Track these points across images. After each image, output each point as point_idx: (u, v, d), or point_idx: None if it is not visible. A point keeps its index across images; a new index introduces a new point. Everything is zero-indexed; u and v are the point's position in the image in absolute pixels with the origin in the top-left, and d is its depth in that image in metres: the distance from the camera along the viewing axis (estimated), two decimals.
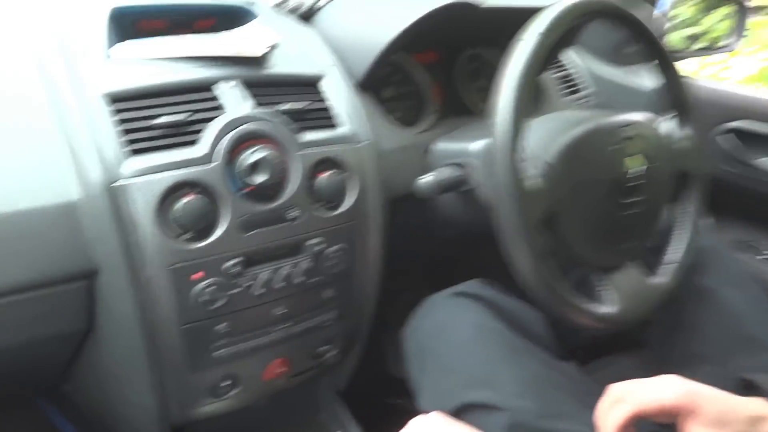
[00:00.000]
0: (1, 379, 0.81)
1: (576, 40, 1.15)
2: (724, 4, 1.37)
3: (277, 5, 0.97)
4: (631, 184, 0.77)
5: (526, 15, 0.72)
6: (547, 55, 0.71)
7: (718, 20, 1.40)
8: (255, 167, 0.72)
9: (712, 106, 1.31)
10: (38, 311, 0.69)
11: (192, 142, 0.71)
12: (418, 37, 0.91)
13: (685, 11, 1.35)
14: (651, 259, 0.83)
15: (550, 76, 1.22)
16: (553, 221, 0.73)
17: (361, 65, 0.90)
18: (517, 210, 0.67)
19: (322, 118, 0.81)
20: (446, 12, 0.89)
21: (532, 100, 0.71)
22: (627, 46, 1.35)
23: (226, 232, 0.71)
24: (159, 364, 0.74)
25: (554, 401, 0.74)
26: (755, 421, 0.55)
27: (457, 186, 0.84)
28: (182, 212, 0.68)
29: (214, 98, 0.74)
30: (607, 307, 0.75)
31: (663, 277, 0.81)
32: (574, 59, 1.29)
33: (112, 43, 0.75)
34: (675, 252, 0.83)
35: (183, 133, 0.71)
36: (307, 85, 0.84)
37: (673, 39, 1.33)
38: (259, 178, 0.72)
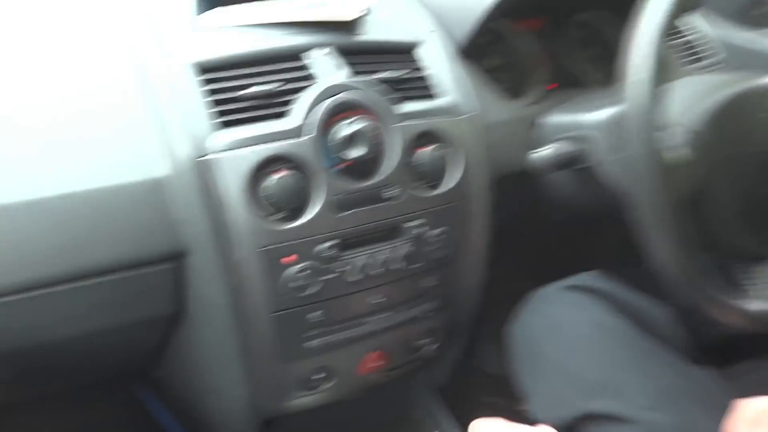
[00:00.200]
0: (92, 363, 0.79)
1: (701, 1, 1.02)
2: None
3: None
4: None
5: None
6: (680, 11, 0.61)
7: None
8: (350, 140, 0.65)
9: None
10: (126, 294, 0.65)
11: (283, 114, 0.65)
12: (523, 2, 0.82)
13: None
14: None
15: (669, 43, 1.08)
16: (697, 200, 0.62)
17: (461, 31, 0.82)
18: (658, 186, 0.57)
19: (422, 87, 0.74)
20: None
21: None
22: (758, 6, 1.19)
23: (319, 212, 0.65)
24: (249, 354, 0.69)
25: (690, 414, 0.64)
26: None
27: (574, 162, 0.74)
28: (273, 189, 0.62)
29: (305, 67, 0.68)
30: (761, 303, 0.63)
31: None
32: (697, 24, 1.14)
33: (200, 11, 0.70)
34: None
35: (273, 105, 0.65)
36: (405, 53, 0.76)
37: None
38: (355, 153, 0.65)
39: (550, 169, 0.73)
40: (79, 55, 0.67)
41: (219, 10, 0.71)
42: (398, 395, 0.94)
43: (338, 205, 0.66)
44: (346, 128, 0.65)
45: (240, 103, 0.64)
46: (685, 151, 0.60)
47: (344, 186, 0.66)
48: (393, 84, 0.71)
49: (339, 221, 0.66)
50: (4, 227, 0.58)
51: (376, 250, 0.70)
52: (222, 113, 0.63)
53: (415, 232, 0.71)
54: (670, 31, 1.06)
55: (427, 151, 0.70)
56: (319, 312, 0.69)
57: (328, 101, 0.65)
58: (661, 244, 0.59)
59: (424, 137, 0.71)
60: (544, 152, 0.72)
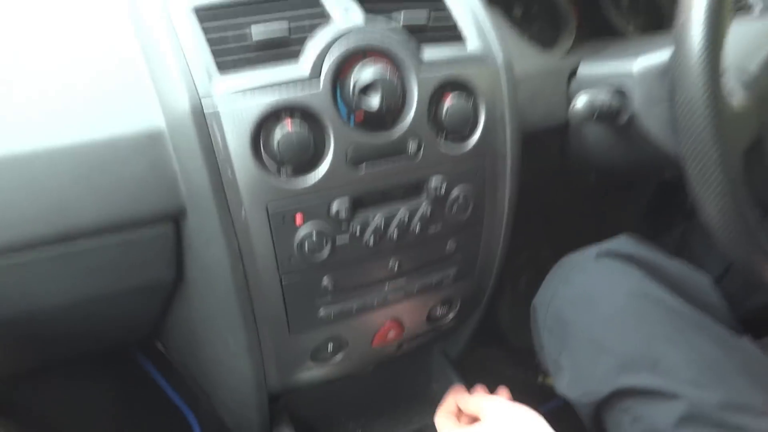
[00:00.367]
0: (93, 333, 0.74)
1: None
2: None
3: None
4: None
5: None
6: None
7: None
8: (367, 88, 0.58)
9: None
10: (123, 258, 0.60)
11: (293, 59, 0.58)
12: None
13: None
14: None
15: None
16: (753, 151, 0.55)
17: None
18: (718, 135, 0.50)
19: (447, 31, 0.66)
20: None
21: None
22: None
23: (332, 167, 0.59)
24: (255, 323, 0.63)
25: (738, 390, 0.59)
26: None
27: (611, 115, 0.68)
28: (281, 142, 0.56)
29: (317, 5, 0.61)
30: None
31: None
32: None
33: None
34: None
35: (281, 48, 0.58)
36: None
37: None
38: (372, 102, 0.58)
39: (587, 121, 0.66)
40: None
41: None
42: (414, 368, 0.89)
43: (353, 159, 0.60)
44: (362, 75, 0.58)
45: (244, 45, 0.57)
46: (743, 98, 0.53)
47: (360, 138, 0.59)
48: (415, 27, 0.63)
49: (353, 177, 0.60)
50: None
51: (394, 209, 0.63)
52: (224, 58, 0.57)
53: (437, 190, 0.64)
54: None
55: (451, 102, 0.63)
56: (330, 277, 0.63)
57: (343, 44, 0.58)
58: (714, 198, 0.52)
59: (449, 87, 0.64)
60: (580, 103, 0.65)
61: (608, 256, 0.71)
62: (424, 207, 0.65)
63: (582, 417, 0.67)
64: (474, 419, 0.73)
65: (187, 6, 0.58)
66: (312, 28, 0.59)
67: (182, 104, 0.55)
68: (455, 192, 0.66)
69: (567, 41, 0.81)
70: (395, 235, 0.64)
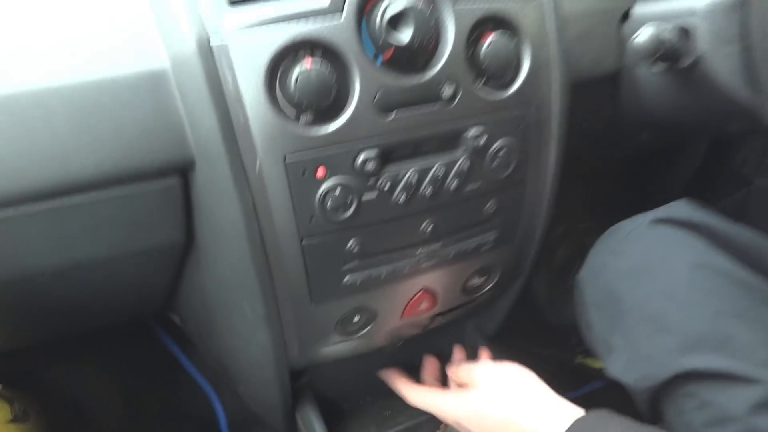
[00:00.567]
0: (104, 301, 0.69)
1: None
2: None
3: None
4: None
5: None
6: None
7: None
8: (397, 21, 0.51)
9: None
10: (125, 216, 0.54)
11: None
12: None
13: None
14: None
15: None
16: None
17: None
18: None
19: None
20: None
21: None
22: None
23: (357, 113, 0.52)
24: (273, 291, 0.57)
25: None
26: None
27: (676, 56, 0.59)
28: (299, 82, 0.49)
29: None
30: None
31: None
32: None
33: None
34: None
35: None
36: None
37: None
38: (403, 37, 0.51)
39: (647, 60, 0.58)
40: None
41: None
42: (446, 344, 0.82)
43: (381, 104, 0.53)
44: (391, 6, 0.51)
45: None
46: None
47: (388, 81, 0.53)
48: None
49: (382, 126, 0.53)
50: None
51: (428, 164, 0.56)
52: None
53: (476, 142, 0.57)
54: None
55: (492, 41, 0.56)
56: (357, 240, 0.56)
57: None
58: None
59: (489, 23, 0.56)
60: (644, 36, 0.57)
61: (666, 222, 0.63)
62: (461, 161, 0.58)
63: (637, 403, 0.60)
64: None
65: None
66: None
67: (188, 40, 0.49)
68: (496, 145, 0.59)
69: None
70: (429, 193, 0.57)
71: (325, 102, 0.51)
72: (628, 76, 0.70)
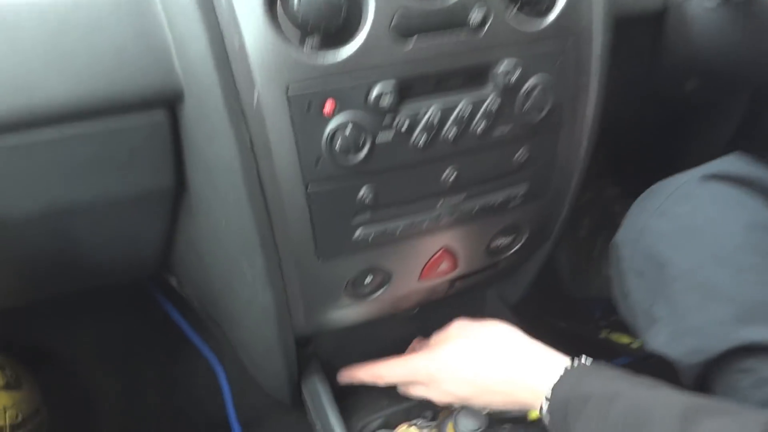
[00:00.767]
0: (91, 257, 0.62)
1: None
2: None
3: None
4: None
5: None
6: None
7: None
8: None
9: None
10: (107, 153, 0.48)
11: None
12: None
13: None
14: None
15: None
16: None
17: None
18: None
19: None
20: None
21: None
22: None
23: (371, 38, 0.45)
24: (275, 245, 0.51)
25: None
26: None
27: None
28: (305, 1, 0.42)
29: None
30: None
31: None
32: None
33: None
34: None
35: None
36: None
37: None
38: None
39: None
40: None
41: None
42: (465, 312, 0.75)
43: (400, 29, 0.45)
44: None
45: None
46: None
47: (408, 1, 0.45)
48: None
49: (399, 54, 0.46)
50: None
51: (451, 101, 0.49)
52: None
53: (505, 78, 0.50)
54: None
55: None
56: (369, 188, 0.50)
57: None
58: None
59: None
60: None
61: (717, 178, 0.57)
62: (490, 100, 0.50)
63: (683, 378, 0.54)
64: None
65: None
66: None
67: None
68: (529, 82, 0.52)
69: None
70: (452, 136, 0.50)
71: (335, 23, 0.43)
72: (676, 12, 0.62)
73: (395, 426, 0.68)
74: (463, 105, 0.49)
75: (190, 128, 0.47)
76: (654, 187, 0.61)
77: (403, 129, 0.48)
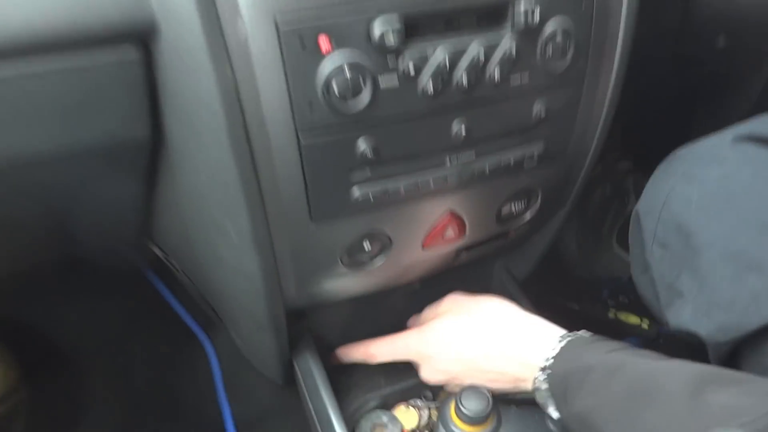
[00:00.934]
0: (67, 221, 0.57)
1: None
2: None
3: None
4: None
5: None
6: None
7: None
8: None
9: None
10: (70, 95, 0.41)
11: None
12: None
13: None
14: None
15: None
16: None
17: None
18: None
19: None
20: None
21: None
22: None
23: None
24: (263, 204, 0.46)
25: None
26: None
27: None
28: None
29: None
30: None
31: None
32: None
33: None
34: None
35: None
36: None
37: None
38: None
39: None
40: None
41: None
42: (470, 286, 0.70)
43: None
44: None
45: None
46: None
47: None
48: None
49: None
50: None
51: (463, 43, 0.44)
52: None
53: (524, 19, 0.44)
54: None
55: None
56: (369, 139, 0.44)
57: None
58: None
59: None
60: None
61: (752, 140, 0.51)
62: (506, 43, 0.45)
63: (712, 357, 0.49)
64: None
65: None
66: None
67: None
68: (550, 26, 0.46)
69: None
70: (464, 82, 0.44)
71: None
72: None
73: (392, 406, 0.64)
74: (475, 47, 0.44)
75: (166, 68, 0.41)
76: (679, 150, 0.56)
77: (409, 72, 0.42)
